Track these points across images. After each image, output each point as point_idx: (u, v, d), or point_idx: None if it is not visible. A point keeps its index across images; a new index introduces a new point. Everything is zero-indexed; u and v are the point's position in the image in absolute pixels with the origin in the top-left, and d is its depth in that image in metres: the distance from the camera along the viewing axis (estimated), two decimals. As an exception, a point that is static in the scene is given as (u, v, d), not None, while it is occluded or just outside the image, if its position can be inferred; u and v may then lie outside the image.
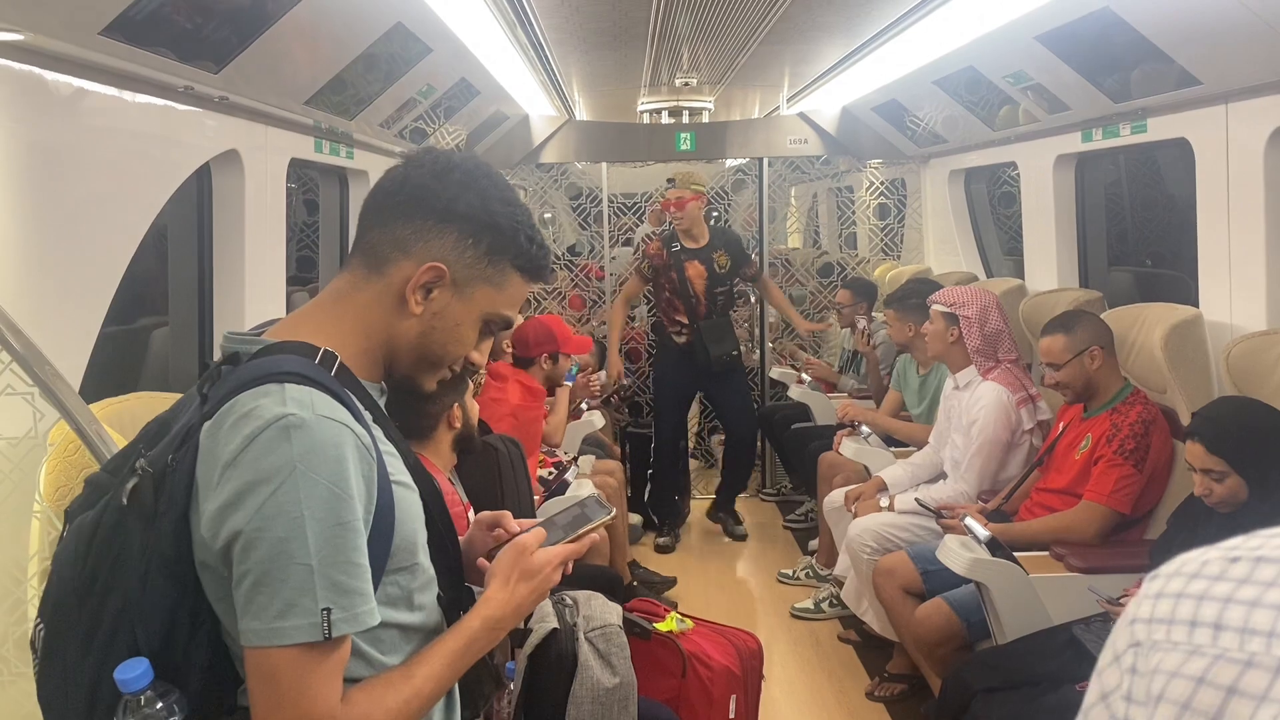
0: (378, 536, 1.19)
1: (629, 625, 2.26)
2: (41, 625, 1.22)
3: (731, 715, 2.55)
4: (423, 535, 1.28)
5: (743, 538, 5.25)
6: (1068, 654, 2.58)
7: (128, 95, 2.29)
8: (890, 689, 3.57)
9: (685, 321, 5.07)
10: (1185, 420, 2.95)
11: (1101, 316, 3.30)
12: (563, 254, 6.54)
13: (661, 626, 2.54)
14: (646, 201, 6.10)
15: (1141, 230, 5.45)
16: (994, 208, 5.52)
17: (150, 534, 1.15)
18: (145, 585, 1.15)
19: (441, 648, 1.25)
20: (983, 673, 2.68)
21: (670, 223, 5.27)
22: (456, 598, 1.36)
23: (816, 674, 3.78)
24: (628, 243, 6.13)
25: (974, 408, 3.60)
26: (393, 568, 1.22)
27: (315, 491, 1.12)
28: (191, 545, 1.15)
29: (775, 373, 5.79)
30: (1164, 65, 3.06)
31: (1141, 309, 3.22)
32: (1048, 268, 4.28)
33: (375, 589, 1.18)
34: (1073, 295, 3.68)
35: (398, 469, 1.26)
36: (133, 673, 1.11)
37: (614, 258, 6.06)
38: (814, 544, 4.92)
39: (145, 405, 1.90)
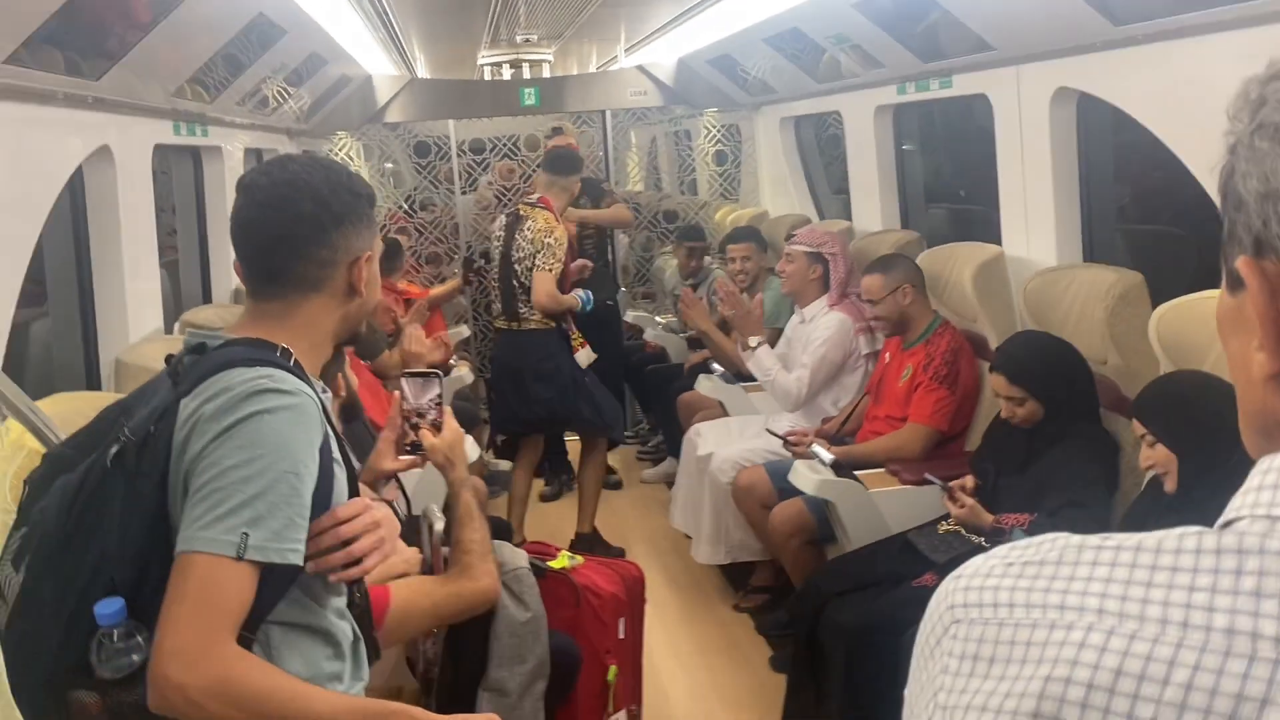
0: (317, 502, 1.39)
1: (527, 566, 2.53)
2: (13, 574, 1.38)
3: (621, 635, 2.86)
4: None
5: (617, 485, 5.51)
6: (903, 556, 2.99)
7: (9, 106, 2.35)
8: (754, 600, 3.98)
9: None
10: (994, 345, 3.40)
11: (920, 256, 3.72)
12: (410, 207, 6.29)
13: (555, 565, 2.82)
14: (495, 155, 6.19)
15: (955, 165, 5.94)
16: (821, 149, 5.91)
17: (131, 492, 1.34)
18: (124, 536, 1.33)
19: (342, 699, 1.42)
20: (833, 579, 3.07)
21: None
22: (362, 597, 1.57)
23: (690, 595, 4.15)
24: (474, 185, 6.24)
25: (818, 332, 4.00)
26: None
27: (276, 438, 1.32)
28: (167, 503, 1.33)
29: (631, 316, 6.08)
30: (965, 31, 3.44)
31: (953, 249, 3.64)
32: (872, 210, 4.69)
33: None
34: (895, 237, 4.10)
35: (334, 448, 1.49)
36: (110, 609, 1.29)
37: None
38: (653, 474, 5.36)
39: (72, 406, 2.03)
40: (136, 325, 3.01)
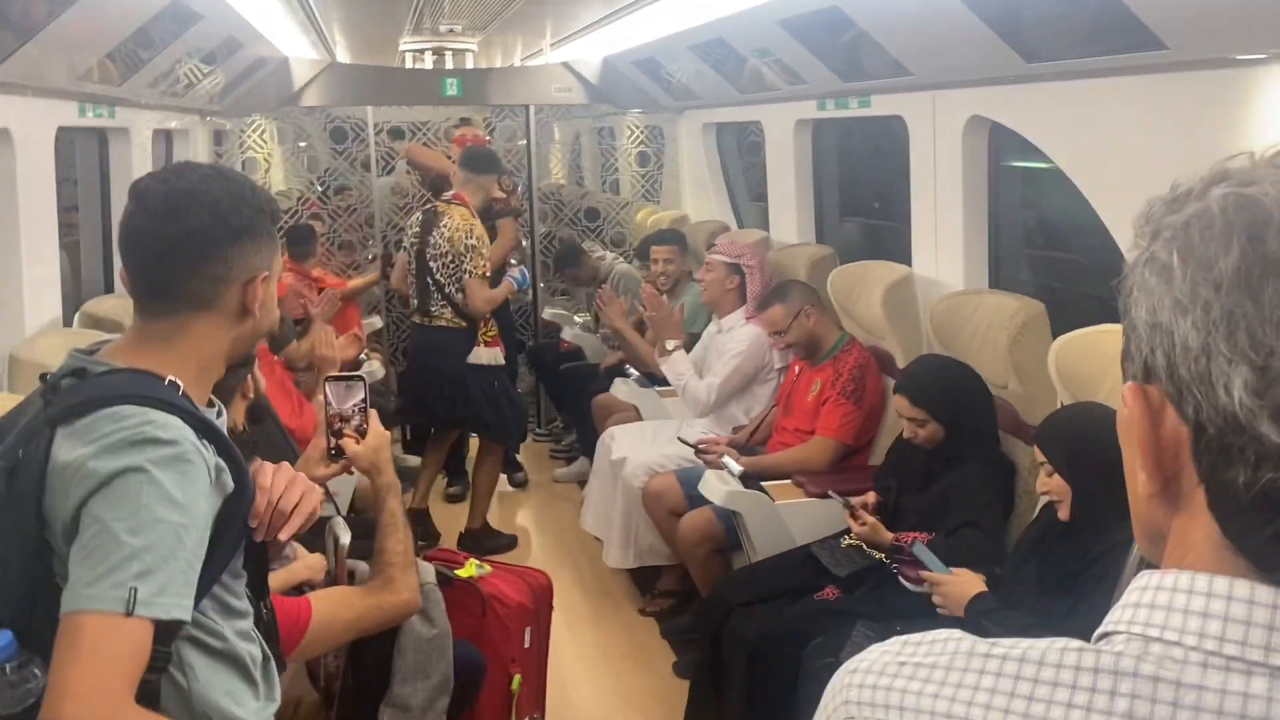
0: (226, 540, 1.37)
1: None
2: None
3: (527, 644, 2.87)
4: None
5: (523, 484, 5.47)
6: (806, 569, 3.06)
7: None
8: (660, 605, 4.02)
9: None
10: (901, 363, 3.49)
11: (832, 272, 3.79)
12: (325, 191, 6.19)
13: (462, 573, 2.81)
14: (415, 141, 6.08)
15: (871, 177, 6.04)
16: (741, 155, 5.97)
17: (6, 521, 1.29)
18: (6, 564, 1.29)
19: None
20: (738, 589, 3.13)
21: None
22: (259, 594, 1.53)
23: (598, 598, 4.17)
24: (390, 170, 6.15)
25: (733, 344, 4.05)
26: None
27: (160, 491, 1.27)
28: (47, 531, 1.28)
29: (549, 313, 6.06)
30: (885, 54, 3.50)
31: (865, 267, 3.72)
32: (789, 221, 4.76)
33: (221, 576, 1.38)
34: (810, 251, 4.17)
35: (233, 479, 1.41)
36: None
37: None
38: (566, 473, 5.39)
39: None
40: (33, 315, 2.91)
